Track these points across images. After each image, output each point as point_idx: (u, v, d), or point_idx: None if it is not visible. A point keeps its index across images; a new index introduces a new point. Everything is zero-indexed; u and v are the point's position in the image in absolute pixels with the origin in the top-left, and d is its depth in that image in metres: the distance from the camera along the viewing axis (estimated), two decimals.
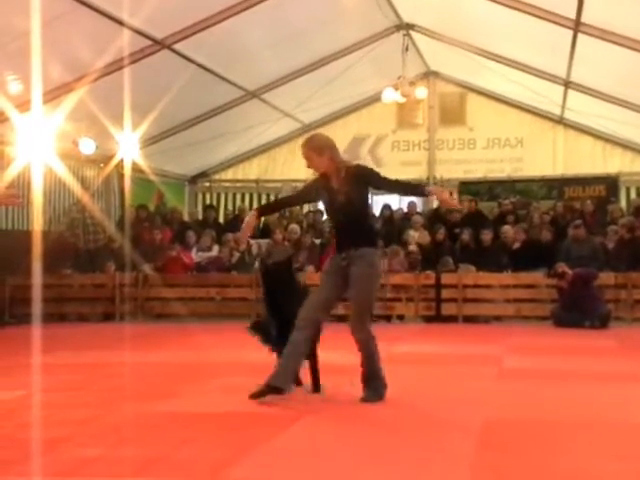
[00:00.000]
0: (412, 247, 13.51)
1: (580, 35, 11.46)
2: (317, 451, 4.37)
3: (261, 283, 6.29)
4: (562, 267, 11.48)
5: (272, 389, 5.57)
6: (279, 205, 8.20)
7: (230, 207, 17.96)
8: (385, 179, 5.80)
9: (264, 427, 4.90)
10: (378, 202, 16.87)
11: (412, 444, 4.50)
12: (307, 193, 6.20)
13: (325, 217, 15.67)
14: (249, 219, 6.00)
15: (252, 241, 14.32)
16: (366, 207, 5.94)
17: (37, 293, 10.61)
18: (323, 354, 5.90)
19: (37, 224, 12.05)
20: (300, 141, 18.89)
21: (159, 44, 11.46)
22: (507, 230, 13.33)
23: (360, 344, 5.67)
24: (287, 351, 5.63)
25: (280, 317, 5.95)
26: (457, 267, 12.67)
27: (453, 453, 4.28)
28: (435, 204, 17.00)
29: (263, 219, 16.49)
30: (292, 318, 5.66)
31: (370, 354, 5.69)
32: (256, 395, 5.61)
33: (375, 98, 16.34)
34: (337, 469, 3.98)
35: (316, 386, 5.98)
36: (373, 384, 5.71)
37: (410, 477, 3.86)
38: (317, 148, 5.76)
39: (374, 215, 14.50)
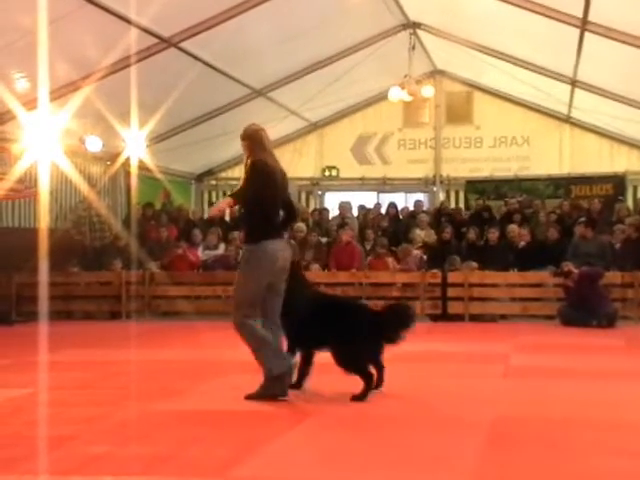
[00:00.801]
0: (416, 252, 13.48)
1: (587, 34, 11.45)
2: (324, 449, 4.37)
3: None
4: (568, 266, 11.45)
5: (269, 395, 5.67)
6: None
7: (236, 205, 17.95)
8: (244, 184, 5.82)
9: (271, 425, 4.90)
10: (384, 201, 16.91)
11: (419, 442, 4.50)
12: None
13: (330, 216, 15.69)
14: (222, 203, 6.45)
15: None
16: (251, 203, 5.81)
17: (44, 291, 10.62)
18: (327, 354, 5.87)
19: (43, 222, 12.07)
20: (307, 139, 18.88)
21: (166, 42, 11.48)
22: (513, 229, 13.31)
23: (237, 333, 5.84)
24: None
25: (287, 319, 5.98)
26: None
27: (460, 450, 4.28)
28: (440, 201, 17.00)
29: None
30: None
31: (246, 342, 5.79)
32: (253, 397, 5.67)
33: (381, 96, 16.34)
34: (343, 467, 3.98)
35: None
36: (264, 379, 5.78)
37: (416, 475, 3.86)
38: (242, 136, 5.96)
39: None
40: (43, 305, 10.63)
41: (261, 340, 5.74)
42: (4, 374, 7.15)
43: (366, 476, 3.84)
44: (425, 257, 13.25)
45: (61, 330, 10.39)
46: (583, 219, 13.08)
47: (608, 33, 11.12)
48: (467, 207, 16.38)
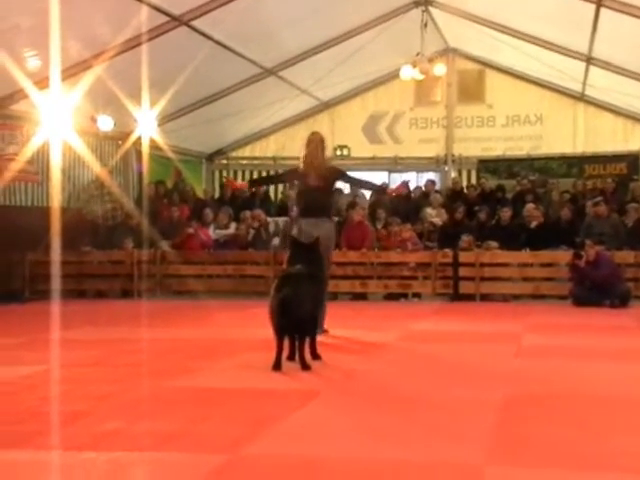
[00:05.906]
0: (431, 221, 13.61)
1: (603, 9, 11.28)
2: (335, 427, 4.37)
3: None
4: (590, 245, 11.15)
5: None
6: None
7: None
8: None
9: (282, 403, 4.90)
10: (395, 180, 16.87)
11: (431, 420, 4.50)
12: None
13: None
14: None
15: (269, 219, 14.33)
16: None
17: (56, 269, 10.67)
18: (342, 331, 5.88)
19: (56, 201, 12.10)
20: (318, 118, 18.83)
21: (177, 20, 11.42)
22: (530, 208, 13.17)
23: None
24: None
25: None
26: (479, 245, 12.57)
27: (474, 428, 4.26)
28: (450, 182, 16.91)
29: (280, 196, 16.52)
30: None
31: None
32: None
33: (393, 75, 16.24)
34: (355, 445, 3.98)
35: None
36: None
37: (430, 453, 3.86)
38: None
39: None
40: (56, 283, 10.69)
41: None
42: (18, 351, 7.19)
43: (378, 454, 3.84)
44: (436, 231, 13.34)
45: (74, 308, 10.44)
46: (600, 198, 12.98)
47: (625, 9, 10.93)
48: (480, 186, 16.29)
